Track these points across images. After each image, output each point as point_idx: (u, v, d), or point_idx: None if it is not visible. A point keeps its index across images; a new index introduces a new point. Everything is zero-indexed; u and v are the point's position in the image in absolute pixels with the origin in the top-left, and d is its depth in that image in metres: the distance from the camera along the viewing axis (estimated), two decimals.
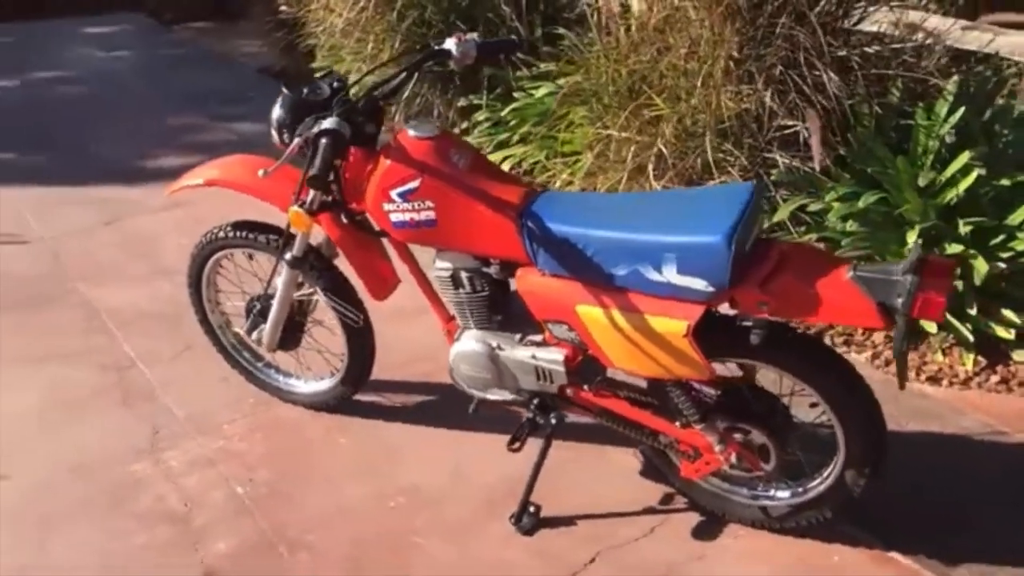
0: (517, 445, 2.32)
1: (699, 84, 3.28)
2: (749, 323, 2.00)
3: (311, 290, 2.61)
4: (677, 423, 2.22)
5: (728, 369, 2.19)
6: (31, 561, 2.31)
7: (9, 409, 2.89)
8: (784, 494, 2.29)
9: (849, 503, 2.20)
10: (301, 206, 2.28)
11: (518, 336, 2.31)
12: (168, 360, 3.09)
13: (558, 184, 3.86)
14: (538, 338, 2.28)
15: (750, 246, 1.97)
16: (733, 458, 2.19)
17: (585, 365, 2.26)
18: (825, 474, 2.21)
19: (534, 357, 2.26)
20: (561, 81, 3.99)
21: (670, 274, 1.96)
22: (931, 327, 2.93)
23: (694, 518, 2.38)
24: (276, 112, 2.27)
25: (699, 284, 1.95)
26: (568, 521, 2.38)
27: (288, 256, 2.44)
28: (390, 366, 2.85)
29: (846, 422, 2.10)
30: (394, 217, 2.22)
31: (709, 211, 1.98)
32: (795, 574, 2.21)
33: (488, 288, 2.28)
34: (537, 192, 2.19)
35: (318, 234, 2.46)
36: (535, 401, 2.34)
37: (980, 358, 2.91)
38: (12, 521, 2.43)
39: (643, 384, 2.29)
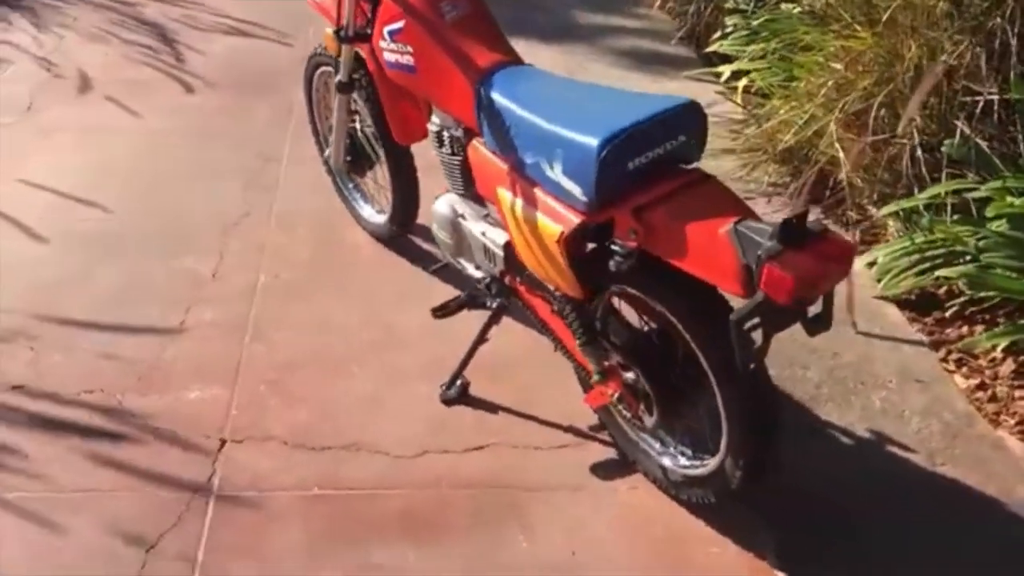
0: (441, 313, 2.35)
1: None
2: (617, 248, 1.83)
3: None
4: (576, 340, 2.11)
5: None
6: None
7: (161, 166, 3.46)
8: (684, 461, 2.10)
9: (727, 492, 1.98)
10: (337, 32, 2.44)
11: (485, 211, 2.31)
12: (304, 162, 3.44)
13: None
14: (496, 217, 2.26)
15: (646, 164, 1.79)
16: (614, 396, 2.05)
17: None
18: (715, 454, 1.99)
19: (483, 234, 2.26)
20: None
21: (558, 172, 1.86)
22: None
23: (604, 454, 2.27)
24: None
25: (576, 190, 1.82)
26: (490, 409, 2.39)
27: (336, 80, 2.61)
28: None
29: (726, 395, 1.87)
30: (386, 55, 2.30)
31: (613, 113, 1.82)
32: (658, 552, 2.05)
33: (462, 153, 2.29)
34: (509, 63, 2.13)
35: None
36: (485, 279, 2.34)
37: None
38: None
39: None
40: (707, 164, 3.49)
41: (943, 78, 2.74)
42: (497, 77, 2.07)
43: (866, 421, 2.42)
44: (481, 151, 2.12)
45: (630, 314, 2.11)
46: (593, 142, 1.75)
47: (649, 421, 2.03)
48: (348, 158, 2.87)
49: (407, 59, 2.23)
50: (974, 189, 2.65)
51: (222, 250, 2.96)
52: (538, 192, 1.94)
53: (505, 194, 2.03)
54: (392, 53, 2.27)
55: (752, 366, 1.69)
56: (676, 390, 1.97)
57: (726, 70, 4.03)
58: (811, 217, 1.64)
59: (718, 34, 4.33)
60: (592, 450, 2.28)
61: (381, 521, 2.08)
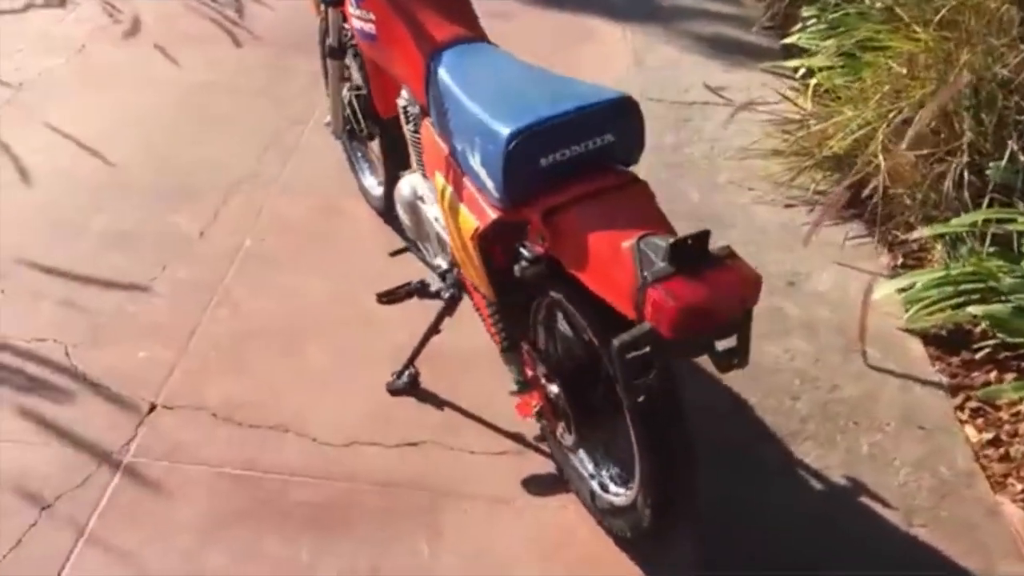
0: (387, 299, 2.24)
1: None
2: (524, 252, 1.68)
3: None
4: (498, 344, 1.97)
5: None
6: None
7: (185, 120, 3.46)
8: (612, 488, 1.94)
9: (639, 530, 1.81)
10: None
11: None
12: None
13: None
14: None
15: (564, 162, 1.62)
16: (535, 409, 1.90)
17: None
18: (631, 487, 1.83)
19: (436, 220, 2.14)
20: None
21: (477, 162, 1.72)
22: None
23: (544, 468, 2.12)
24: None
25: (490, 184, 1.68)
26: (437, 404, 2.28)
27: (327, 44, 2.52)
28: None
29: (634, 423, 1.69)
30: (354, 22, 2.19)
31: (536, 102, 1.66)
32: None
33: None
34: (467, 39, 1.99)
35: None
36: (440, 267, 2.22)
37: None
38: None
39: None
40: (754, 164, 3.32)
41: (999, 92, 2.43)
42: (448, 53, 1.93)
43: (847, 466, 2.19)
44: (429, 131, 1.99)
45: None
46: (503, 132, 1.60)
47: (568, 440, 1.87)
48: (347, 127, 2.79)
49: (370, 27, 2.12)
50: (1012, 220, 2.34)
51: (218, 210, 2.94)
52: (465, 182, 1.80)
53: (440, 180, 1.90)
54: (358, 20, 2.16)
55: (641, 398, 1.51)
56: (595, 412, 1.80)
57: (797, 66, 3.75)
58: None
59: (798, 25, 4.03)
60: (531, 462, 2.14)
61: (284, 509, 2.00)
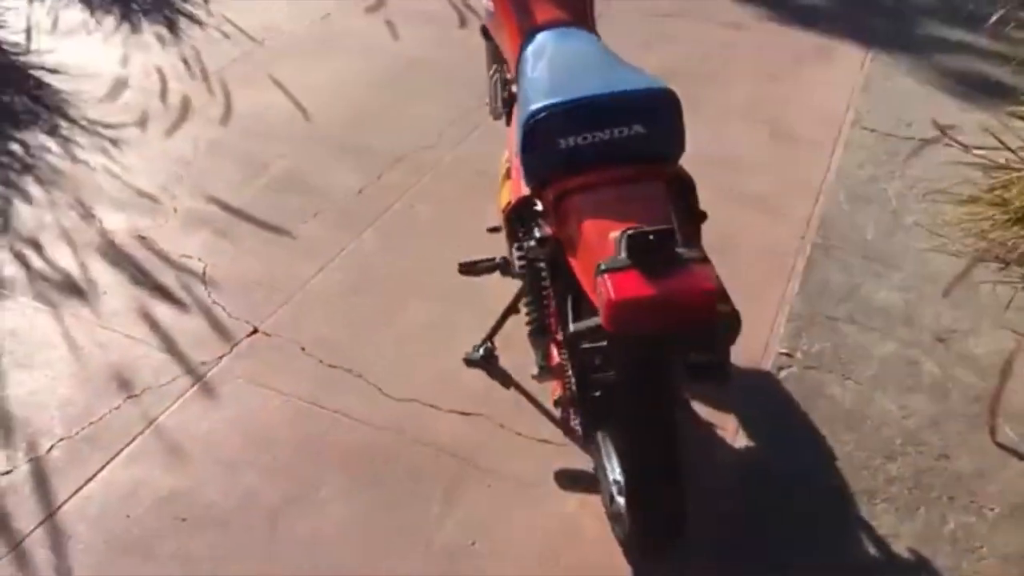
0: (465, 269, 2.28)
1: None
2: (536, 231, 1.67)
3: None
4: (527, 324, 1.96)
5: None
6: None
7: (388, 91, 3.70)
8: (615, 494, 1.88)
9: (626, 543, 1.76)
10: None
11: None
12: None
13: None
14: None
15: (586, 147, 1.60)
16: (556, 394, 1.89)
17: None
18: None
19: None
20: None
21: (516, 137, 1.74)
22: None
23: (583, 463, 2.10)
24: None
25: (516, 160, 1.70)
26: (504, 382, 2.32)
27: (481, 24, 2.62)
28: None
29: (617, 424, 1.65)
30: (483, 0, 2.27)
31: (573, 84, 1.65)
32: None
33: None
34: (565, 22, 2.00)
35: None
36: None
37: None
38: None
39: None
40: (950, 210, 3.03)
41: None
42: (541, 34, 1.96)
43: (919, 541, 1.97)
44: (516, 110, 2.04)
45: None
46: (529, 110, 1.62)
47: (580, 434, 1.85)
48: (504, 108, 2.88)
49: (490, 4, 2.20)
50: None
51: (383, 172, 3.14)
52: (515, 159, 1.84)
53: (504, 155, 1.94)
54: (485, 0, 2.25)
55: (597, 393, 1.47)
56: (599, 407, 1.76)
57: None
58: None
59: None
60: (571, 455, 2.12)
61: (324, 444, 2.13)
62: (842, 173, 3.21)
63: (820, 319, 2.56)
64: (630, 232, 1.34)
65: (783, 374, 2.38)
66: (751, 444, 2.19)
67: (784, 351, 2.45)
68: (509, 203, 1.76)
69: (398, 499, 2.01)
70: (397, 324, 2.50)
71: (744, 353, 2.40)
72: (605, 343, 1.39)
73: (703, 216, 1.66)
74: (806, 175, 3.14)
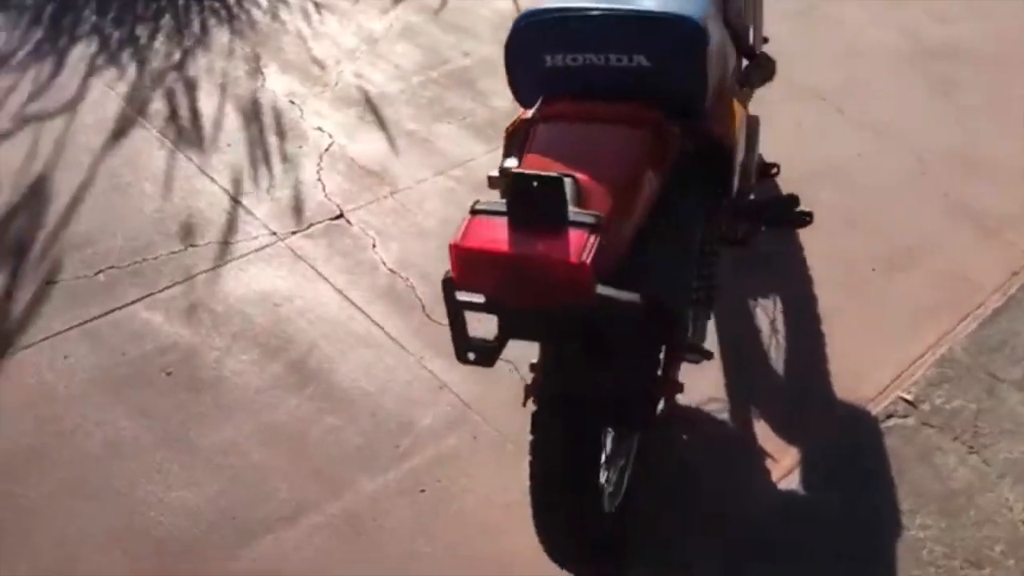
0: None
1: None
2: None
3: None
4: None
5: None
6: None
7: None
8: None
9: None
10: None
11: None
12: None
13: None
14: None
15: (576, 68, 1.35)
16: None
17: None
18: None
19: None
20: None
21: None
22: None
23: None
24: None
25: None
26: None
27: None
28: None
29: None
30: None
31: None
32: None
33: None
34: None
35: None
36: None
37: None
38: None
39: None
40: None
41: None
42: None
43: None
44: None
45: None
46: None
47: None
48: None
49: None
50: None
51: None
52: None
53: None
54: None
55: (472, 356, 1.23)
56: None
57: None
58: None
59: None
60: None
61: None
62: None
63: (979, 374, 2.05)
64: (516, 172, 1.08)
65: (890, 423, 1.94)
66: (798, 491, 1.80)
67: (907, 396, 1.99)
68: (508, 127, 1.52)
69: (379, 423, 1.88)
70: None
71: (850, 384, 1.99)
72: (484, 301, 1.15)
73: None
74: None
